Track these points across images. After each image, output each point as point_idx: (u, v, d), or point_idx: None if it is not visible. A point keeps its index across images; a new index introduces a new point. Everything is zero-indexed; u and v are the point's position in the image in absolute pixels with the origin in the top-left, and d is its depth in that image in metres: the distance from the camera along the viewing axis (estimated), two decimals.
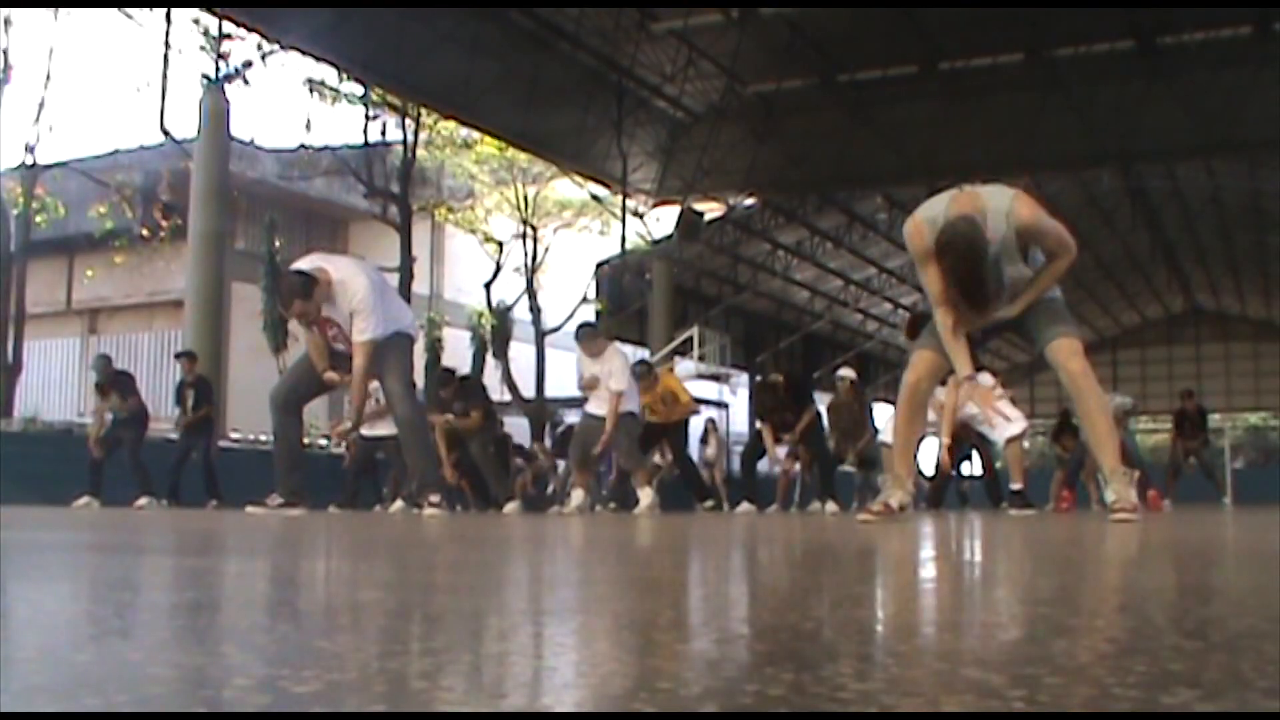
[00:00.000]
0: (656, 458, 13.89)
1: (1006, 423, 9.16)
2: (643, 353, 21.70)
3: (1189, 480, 15.41)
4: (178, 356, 13.41)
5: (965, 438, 10.08)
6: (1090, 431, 4.93)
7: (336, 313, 6.76)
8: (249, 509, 7.04)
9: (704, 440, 19.05)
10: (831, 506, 10.49)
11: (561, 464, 15.74)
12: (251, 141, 24.07)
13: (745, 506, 10.53)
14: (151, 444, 12.81)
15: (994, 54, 20.20)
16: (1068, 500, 12.67)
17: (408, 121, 22.09)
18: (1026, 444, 10.04)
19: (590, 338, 10.18)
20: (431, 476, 7.17)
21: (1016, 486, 9.28)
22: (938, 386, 7.96)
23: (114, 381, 12.18)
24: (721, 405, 27.51)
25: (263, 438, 17.01)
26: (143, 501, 11.78)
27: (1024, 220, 4.56)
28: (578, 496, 10.06)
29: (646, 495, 9.84)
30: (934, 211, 4.58)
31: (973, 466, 12.81)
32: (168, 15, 17.02)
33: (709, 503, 11.26)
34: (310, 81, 21.19)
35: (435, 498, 7.04)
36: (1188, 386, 16.14)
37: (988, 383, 7.32)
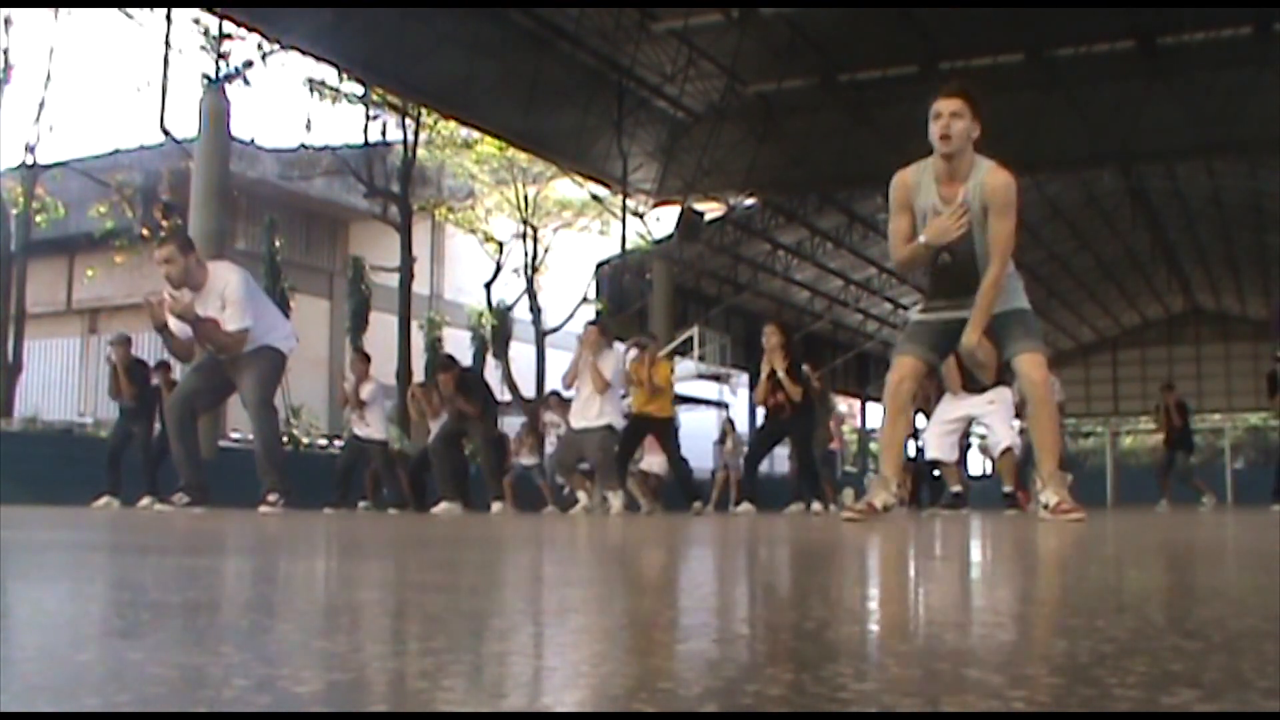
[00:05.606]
0: (656, 468, 13.68)
1: (1008, 433, 9.25)
2: None
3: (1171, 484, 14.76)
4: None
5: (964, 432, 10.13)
6: (1038, 436, 5.43)
7: (205, 305, 7.05)
8: (156, 506, 7.31)
9: (721, 441, 19.17)
10: (799, 505, 10.28)
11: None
12: (252, 141, 24.03)
13: (745, 507, 10.48)
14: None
15: (994, 54, 20.14)
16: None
17: (408, 121, 22.07)
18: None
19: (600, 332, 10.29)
20: (278, 482, 7.36)
21: (1008, 489, 9.64)
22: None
23: (128, 370, 12.00)
24: (722, 405, 27.51)
25: None
26: (144, 501, 11.73)
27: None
28: (615, 501, 9.80)
29: (617, 499, 9.77)
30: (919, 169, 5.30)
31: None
32: (168, 15, 17.00)
33: (698, 504, 11.04)
34: (310, 81, 21.19)
35: (273, 497, 7.29)
36: (1184, 388, 15.46)
37: (1005, 397, 8.72)
